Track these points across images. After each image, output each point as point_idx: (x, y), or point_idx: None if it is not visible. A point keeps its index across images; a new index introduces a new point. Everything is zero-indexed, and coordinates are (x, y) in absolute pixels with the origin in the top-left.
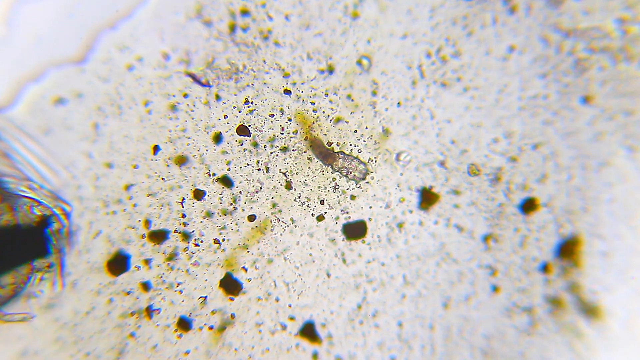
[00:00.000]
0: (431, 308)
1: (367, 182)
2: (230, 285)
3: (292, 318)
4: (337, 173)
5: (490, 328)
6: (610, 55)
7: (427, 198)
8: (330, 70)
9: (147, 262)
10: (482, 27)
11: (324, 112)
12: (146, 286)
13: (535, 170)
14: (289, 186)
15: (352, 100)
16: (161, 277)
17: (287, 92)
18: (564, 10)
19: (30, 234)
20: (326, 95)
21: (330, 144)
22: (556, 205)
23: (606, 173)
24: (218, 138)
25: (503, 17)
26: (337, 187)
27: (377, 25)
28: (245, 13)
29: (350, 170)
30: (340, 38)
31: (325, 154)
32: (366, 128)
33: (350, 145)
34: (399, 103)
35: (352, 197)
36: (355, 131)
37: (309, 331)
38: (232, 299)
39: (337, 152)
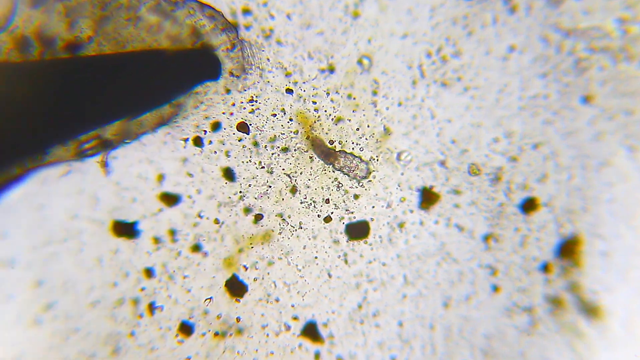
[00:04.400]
0: (431, 308)
1: (369, 181)
2: (236, 287)
3: (295, 318)
4: (339, 172)
5: (491, 328)
6: (610, 55)
7: (427, 198)
8: (331, 70)
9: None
10: (482, 27)
11: (325, 111)
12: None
13: (536, 170)
14: (294, 190)
15: (354, 99)
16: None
17: (289, 91)
18: (564, 10)
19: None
20: (327, 94)
21: (332, 142)
22: (556, 205)
23: (606, 173)
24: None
25: (503, 17)
26: (340, 185)
27: (378, 25)
28: (247, 12)
29: (352, 169)
30: (341, 37)
31: (327, 152)
32: (368, 127)
33: (352, 143)
34: (399, 103)
35: (356, 197)
36: (358, 129)
37: (311, 331)
38: (238, 301)
39: (339, 150)
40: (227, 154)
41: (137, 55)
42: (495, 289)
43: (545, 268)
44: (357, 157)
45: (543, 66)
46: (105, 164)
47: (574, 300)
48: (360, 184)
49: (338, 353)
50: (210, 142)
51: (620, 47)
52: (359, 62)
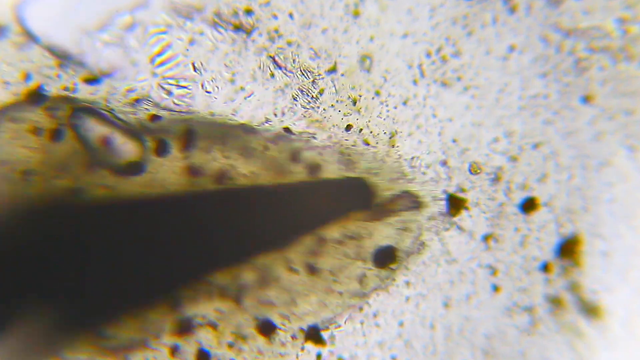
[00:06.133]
0: (432, 307)
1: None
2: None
3: (302, 330)
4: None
5: (491, 327)
6: (610, 54)
7: (454, 204)
8: (335, 70)
9: None
10: (482, 27)
11: (339, 111)
12: None
13: (536, 169)
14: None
15: (357, 101)
16: None
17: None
18: (564, 10)
19: None
20: (335, 102)
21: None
22: (557, 205)
23: (606, 173)
24: None
25: (503, 17)
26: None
27: (378, 25)
28: (249, 12)
29: (408, 206)
30: (343, 37)
31: (382, 211)
32: (382, 133)
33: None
34: (404, 102)
35: None
36: (363, 129)
37: (313, 334)
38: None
39: (385, 199)
40: None
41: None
42: (495, 288)
43: (545, 268)
44: (405, 192)
45: (543, 66)
46: None
47: (574, 300)
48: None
49: (339, 354)
50: None
51: (620, 47)
52: (362, 62)
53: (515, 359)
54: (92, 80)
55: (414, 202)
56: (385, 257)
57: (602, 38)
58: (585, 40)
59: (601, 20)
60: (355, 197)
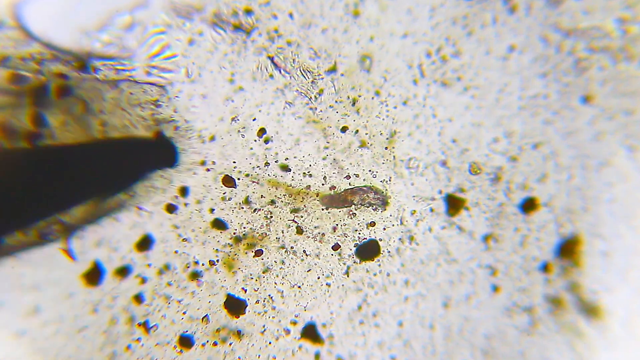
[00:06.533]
0: (431, 308)
1: (384, 209)
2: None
3: (294, 322)
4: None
5: (491, 328)
6: (610, 54)
7: (453, 204)
8: (334, 70)
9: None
10: (482, 27)
11: (337, 112)
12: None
13: (536, 169)
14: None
15: (357, 101)
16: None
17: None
18: (564, 10)
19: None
20: (334, 103)
21: (333, 188)
22: (556, 205)
23: (606, 173)
24: None
25: (503, 17)
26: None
27: (378, 25)
28: (249, 12)
29: (369, 202)
30: (343, 37)
31: (340, 200)
32: (378, 134)
33: (364, 169)
34: (404, 102)
35: (372, 224)
36: (355, 131)
37: (311, 332)
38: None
39: (348, 189)
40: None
41: (98, 144)
42: (495, 289)
43: (545, 268)
44: (369, 188)
45: (543, 66)
46: (68, 251)
47: (574, 300)
48: (380, 211)
49: (338, 353)
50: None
51: (620, 47)
52: (362, 61)
53: (515, 359)
54: (83, 68)
55: (378, 200)
56: (369, 251)
57: (602, 38)
58: (585, 40)
59: (601, 20)
60: (159, 154)
